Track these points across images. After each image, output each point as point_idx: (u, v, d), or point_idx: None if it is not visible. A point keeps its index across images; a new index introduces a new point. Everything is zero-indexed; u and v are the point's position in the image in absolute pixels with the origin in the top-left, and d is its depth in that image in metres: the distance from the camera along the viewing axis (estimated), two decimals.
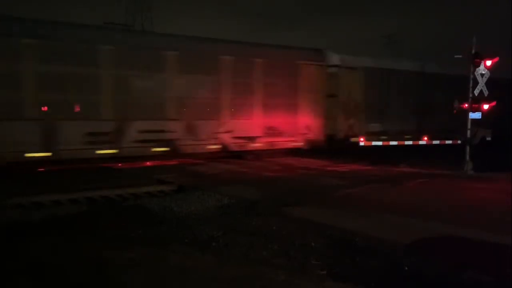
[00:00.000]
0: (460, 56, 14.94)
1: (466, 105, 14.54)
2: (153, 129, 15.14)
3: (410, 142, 20.66)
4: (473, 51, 14.27)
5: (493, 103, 14.38)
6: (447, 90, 20.81)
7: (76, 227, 7.78)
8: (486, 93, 14.59)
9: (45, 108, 13.51)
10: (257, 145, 17.30)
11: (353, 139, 19.45)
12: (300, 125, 18.31)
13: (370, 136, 19.91)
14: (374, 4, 53.85)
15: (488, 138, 21.21)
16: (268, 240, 6.86)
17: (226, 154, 16.86)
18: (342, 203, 9.58)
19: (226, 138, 16.58)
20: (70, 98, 13.94)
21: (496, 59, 14.29)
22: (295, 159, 17.19)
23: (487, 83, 14.58)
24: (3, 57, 12.85)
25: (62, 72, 13.65)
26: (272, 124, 17.55)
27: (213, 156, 16.56)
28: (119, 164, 14.93)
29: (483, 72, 14.48)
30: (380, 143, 19.82)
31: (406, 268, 5.80)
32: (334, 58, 19.29)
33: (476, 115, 14.61)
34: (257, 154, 17.26)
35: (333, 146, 18.66)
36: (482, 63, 14.30)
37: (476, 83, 14.57)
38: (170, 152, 15.54)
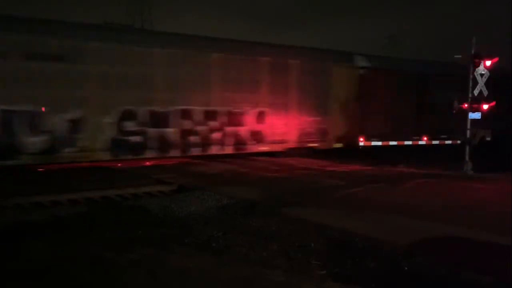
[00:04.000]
0: (460, 57, 14.97)
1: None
2: None
3: (410, 143, 20.72)
4: (472, 52, 14.31)
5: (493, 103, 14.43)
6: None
7: (76, 228, 7.78)
8: (485, 93, 14.61)
9: None
10: None
11: None
12: None
13: None
14: (374, 5, 53.91)
15: (488, 138, 21.21)
16: (268, 241, 6.87)
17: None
18: (342, 204, 9.58)
19: None
20: None
21: (496, 59, 14.32)
22: (294, 159, 17.19)
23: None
24: None
25: None
26: None
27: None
28: (119, 164, 14.94)
29: (483, 72, 14.50)
30: (379, 143, 19.89)
31: (406, 268, 5.81)
32: None
33: (476, 115, 14.63)
34: None
35: None
36: (482, 64, 14.33)
37: (475, 83, 14.61)
38: None
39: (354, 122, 19.51)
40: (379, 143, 19.98)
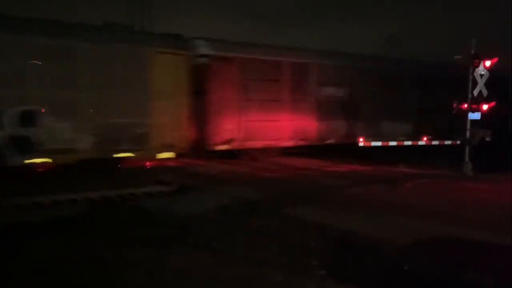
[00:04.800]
0: (460, 57, 14.97)
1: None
2: None
3: (409, 143, 20.63)
4: (472, 52, 14.32)
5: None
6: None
7: (76, 228, 7.78)
8: (485, 93, 14.62)
9: None
10: None
11: None
12: None
13: None
14: (374, 5, 54.06)
15: (488, 139, 21.20)
16: (268, 240, 6.87)
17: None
18: (341, 203, 9.59)
19: None
20: None
21: (496, 60, 14.33)
22: (294, 159, 17.19)
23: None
24: None
25: None
26: None
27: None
28: (119, 165, 14.91)
29: (483, 73, 14.51)
30: (379, 143, 19.77)
31: (406, 268, 5.81)
32: None
33: (476, 116, 14.64)
34: None
35: None
36: (482, 64, 14.34)
37: (475, 83, 14.61)
38: None
39: (196, 124, 15.36)
40: (379, 143, 19.79)
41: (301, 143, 17.77)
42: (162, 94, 14.44)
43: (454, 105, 15.06)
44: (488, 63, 14.28)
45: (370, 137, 19.26)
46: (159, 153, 14.60)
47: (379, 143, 19.60)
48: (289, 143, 17.53)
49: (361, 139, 19.08)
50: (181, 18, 44.44)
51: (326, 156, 17.47)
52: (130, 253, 6.27)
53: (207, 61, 15.62)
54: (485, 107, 14.36)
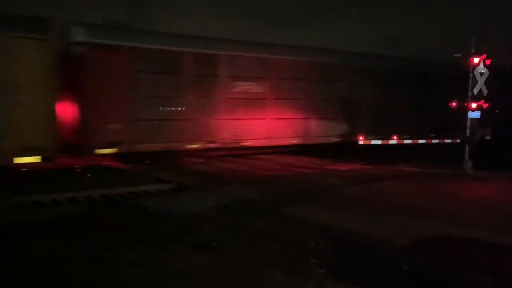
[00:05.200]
0: (460, 55, 14.95)
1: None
2: None
3: (409, 141, 20.54)
4: (472, 51, 14.31)
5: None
6: None
7: (76, 227, 7.78)
8: (485, 92, 14.61)
9: None
10: None
11: None
12: None
13: None
14: (375, 5, 53.99)
15: (488, 137, 21.15)
16: (268, 240, 6.87)
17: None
18: (341, 203, 9.59)
19: None
20: None
21: (485, 56, 14.28)
22: (294, 158, 17.19)
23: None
24: None
25: None
26: None
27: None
28: (119, 164, 14.90)
29: (483, 71, 14.50)
30: (379, 142, 19.66)
31: (406, 268, 5.81)
32: None
33: (475, 114, 14.63)
34: None
35: None
36: (482, 63, 14.33)
37: (475, 82, 14.59)
38: None
39: (72, 123, 13.37)
40: (379, 142, 19.69)
41: (211, 145, 15.90)
42: (21, 87, 12.08)
43: (453, 103, 15.05)
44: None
45: (299, 137, 17.75)
46: (18, 156, 12.10)
47: (378, 142, 19.49)
48: (195, 145, 15.55)
49: (361, 138, 19.04)
50: (181, 18, 44.34)
51: (325, 155, 17.47)
52: (130, 253, 6.27)
53: (83, 49, 13.33)
54: (484, 105, 14.36)
